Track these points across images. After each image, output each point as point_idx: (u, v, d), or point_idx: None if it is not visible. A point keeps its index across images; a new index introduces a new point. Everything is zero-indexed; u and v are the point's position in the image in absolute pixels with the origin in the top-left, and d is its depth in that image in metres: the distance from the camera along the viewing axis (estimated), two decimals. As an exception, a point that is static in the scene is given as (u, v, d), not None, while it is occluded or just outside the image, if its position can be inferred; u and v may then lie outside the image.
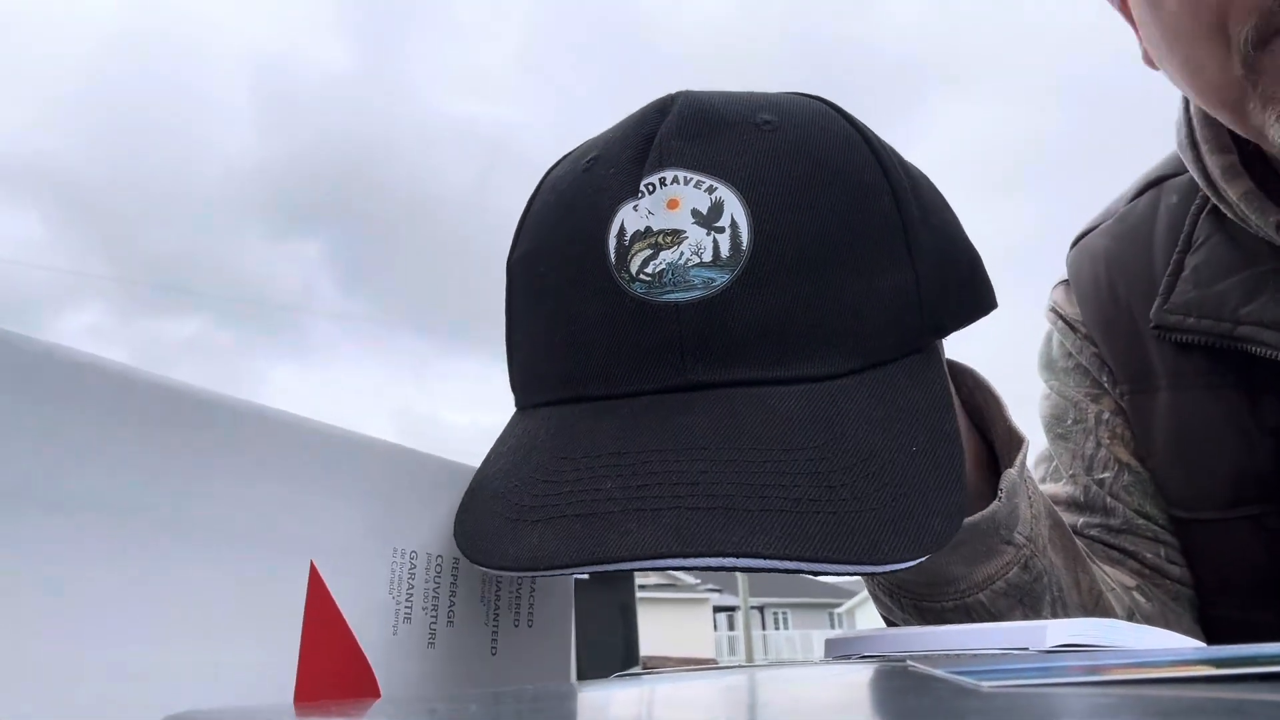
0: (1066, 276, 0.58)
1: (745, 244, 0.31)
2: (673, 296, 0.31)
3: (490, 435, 0.36)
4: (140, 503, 0.23)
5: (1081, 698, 0.13)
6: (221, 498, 0.25)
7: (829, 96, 0.36)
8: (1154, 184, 0.55)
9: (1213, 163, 0.47)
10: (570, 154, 0.38)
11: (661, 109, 0.34)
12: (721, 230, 0.31)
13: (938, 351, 0.35)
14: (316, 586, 0.27)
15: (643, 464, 0.29)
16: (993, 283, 0.38)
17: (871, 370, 0.32)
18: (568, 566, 0.27)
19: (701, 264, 0.31)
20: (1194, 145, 0.48)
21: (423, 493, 0.31)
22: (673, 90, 0.36)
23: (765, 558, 0.26)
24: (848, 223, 0.32)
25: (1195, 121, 0.48)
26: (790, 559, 0.26)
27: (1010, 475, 0.36)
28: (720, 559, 0.26)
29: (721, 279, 0.31)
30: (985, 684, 0.15)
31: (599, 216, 0.33)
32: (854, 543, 0.27)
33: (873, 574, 0.33)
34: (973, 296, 0.37)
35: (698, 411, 0.31)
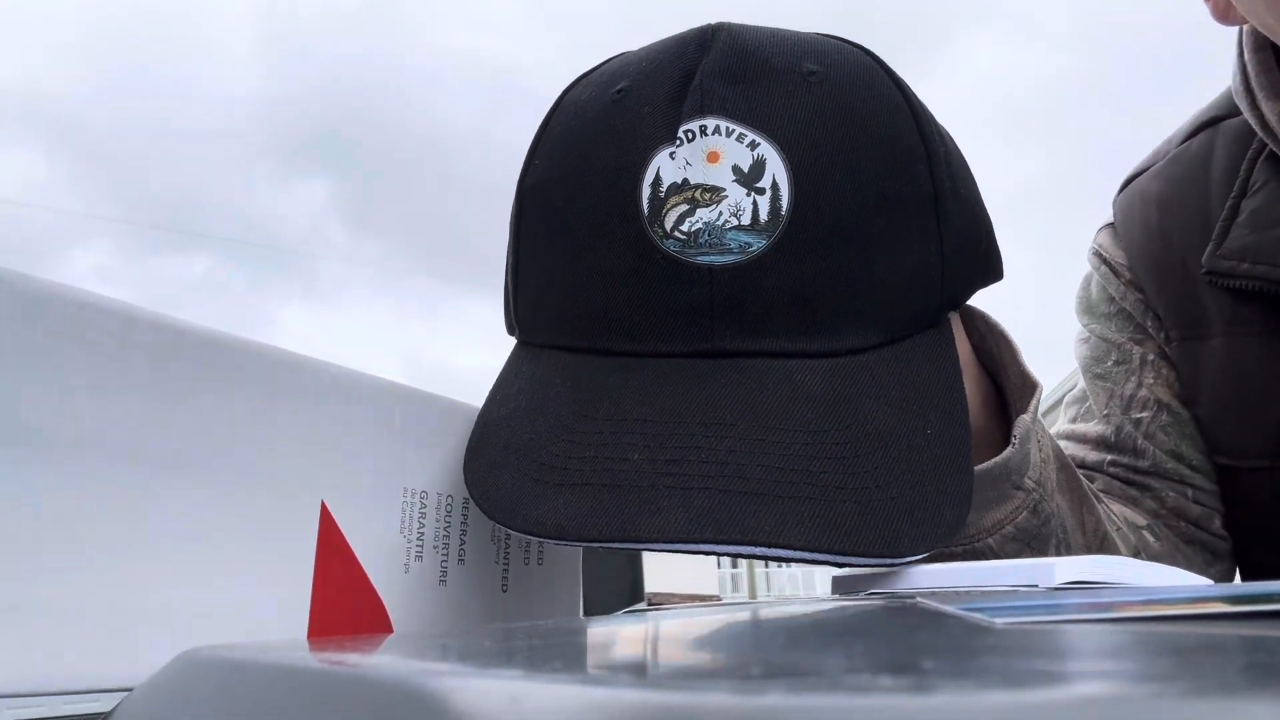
0: (1112, 220, 0.57)
1: (784, 209, 0.30)
2: (706, 259, 0.30)
3: (499, 376, 0.35)
4: (149, 443, 0.23)
5: (1097, 634, 0.13)
6: (232, 438, 0.25)
7: (853, 33, 0.35)
8: (1208, 124, 0.53)
9: (1269, 109, 0.45)
10: (592, 74, 0.36)
11: (701, 43, 0.32)
12: (762, 192, 0.30)
13: (949, 325, 0.35)
14: (328, 525, 0.27)
15: (669, 435, 0.29)
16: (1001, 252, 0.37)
17: (891, 346, 0.32)
18: (596, 540, 0.27)
19: (739, 227, 0.30)
20: (1249, 92, 0.46)
21: (432, 433, 0.31)
22: (691, 24, 0.34)
23: (795, 549, 0.26)
24: (885, 193, 0.31)
25: (1250, 70, 0.46)
26: (819, 551, 0.26)
27: (1024, 421, 0.36)
28: (751, 547, 0.26)
29: (758, 245, 0.30)
30: (999, 620, 0.15)
31: (631, 160, 0.31)
32: (877, 535, 0.27)
33: (891, 566, 0.33)
34: (984, 267, 0.36)
35: (724, 382, 0.30)
